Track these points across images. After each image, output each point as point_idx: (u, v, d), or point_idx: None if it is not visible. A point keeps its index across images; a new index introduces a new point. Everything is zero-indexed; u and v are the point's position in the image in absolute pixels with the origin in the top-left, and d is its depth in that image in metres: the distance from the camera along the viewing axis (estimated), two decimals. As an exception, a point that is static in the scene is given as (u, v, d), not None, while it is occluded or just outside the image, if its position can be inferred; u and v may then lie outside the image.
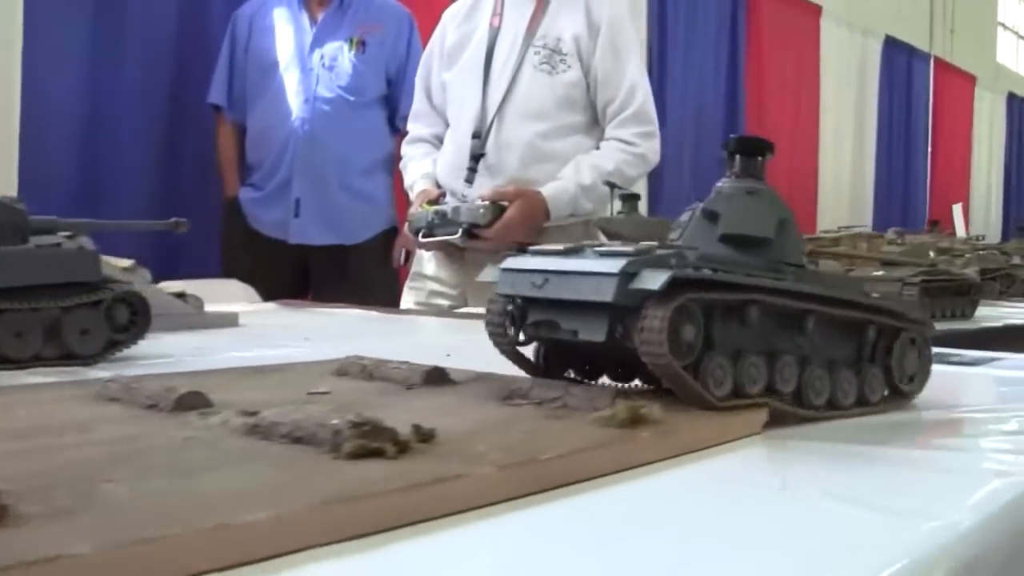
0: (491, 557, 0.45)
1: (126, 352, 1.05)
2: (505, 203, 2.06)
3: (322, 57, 2.85)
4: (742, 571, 0.43)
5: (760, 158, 0.81)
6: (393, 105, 2.93)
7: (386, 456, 0.52)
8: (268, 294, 2.20)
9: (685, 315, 0.67)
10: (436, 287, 2.26)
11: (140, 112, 2.88)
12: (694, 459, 0.61)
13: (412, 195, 2.28)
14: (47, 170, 2.63)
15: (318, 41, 2.87)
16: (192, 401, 0.65)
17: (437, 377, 0.79)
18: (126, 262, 1.36)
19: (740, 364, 0.70)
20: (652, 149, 2.22)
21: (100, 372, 0.96)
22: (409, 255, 2.49)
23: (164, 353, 1.10)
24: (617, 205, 1.89)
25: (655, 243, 0.73)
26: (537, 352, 0.80)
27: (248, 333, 1.41)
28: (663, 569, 0.43)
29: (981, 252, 2.74)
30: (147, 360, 1.04)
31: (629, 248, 0.70)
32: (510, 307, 0.78)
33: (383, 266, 2.88)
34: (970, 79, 9.93)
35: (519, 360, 0.81)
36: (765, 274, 0.74)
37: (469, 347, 1.36)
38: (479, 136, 2.16)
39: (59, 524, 0.40)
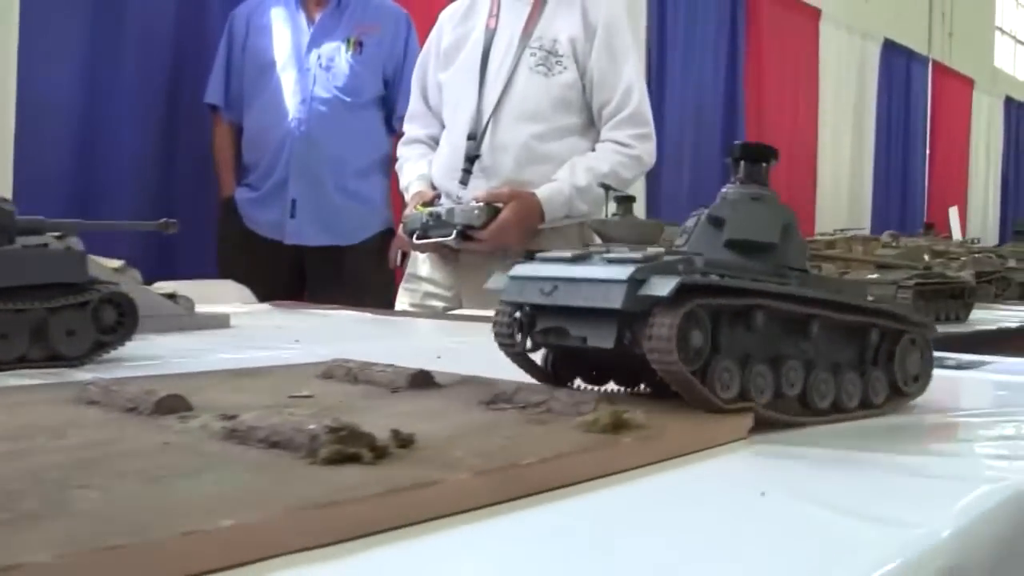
0: (466, 564, 0.45)
1: (113, 353, 1.04)
2: (500, 205, 2.05)
3: (319, 57, 2.85)
4: (719, 580, 0.43)
5: (764, 164, 0.82)
6: (390, 106, 2.93)
7: (363, 462, 0.52)
8: (264, 295, 2.20)
9: (693, 321, 0.67)
10: (431, 288, 2.25)
11: (137, 112, 2.88)
12: (677, 465, 0.61)
13: (407, 196, 2.27)
14: (43, 170, 2.62)
15: (315, 41, 2.86)
16: (172, 404, 0.64)
17: (422, 380, 0.78)
18: (116, 263, 1.36)
19: (747, 371, 0.70)
20: (648, 151, 2.21)
21: (86, 374, 0.95)
22: (405, 256, 2.48)
23: (152, 355, 1.09)
24: (612, 207, 1.89)
25: (662, 249, 0.74)
26: (546, 358, 0.81)
27: (239, 335, 1.41)
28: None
29: (976, 255, 2.73)
30: (134, 362, 1.04)
31: (637, 255, 0.70)
32: (518, 314, 0.78)
33: (379, 267, 2.87)
34: (968, 83, 9.93)
35: (528, 366, 0.81)
36: (770, 279, 0.75)
37: (461, 349, 1.36)
38: (474, 137, 2.16)
39: (24, 530, 0.39)
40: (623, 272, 0.68)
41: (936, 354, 0.94)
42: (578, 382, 0.81)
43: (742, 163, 0.81)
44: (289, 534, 0.44)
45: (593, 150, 2.18)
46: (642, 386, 0.79)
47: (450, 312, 2.13)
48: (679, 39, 5.60)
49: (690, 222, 0.82)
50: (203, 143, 2.99)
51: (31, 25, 2.58)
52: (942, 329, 0.94)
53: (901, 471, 0.63)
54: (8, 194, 2.40)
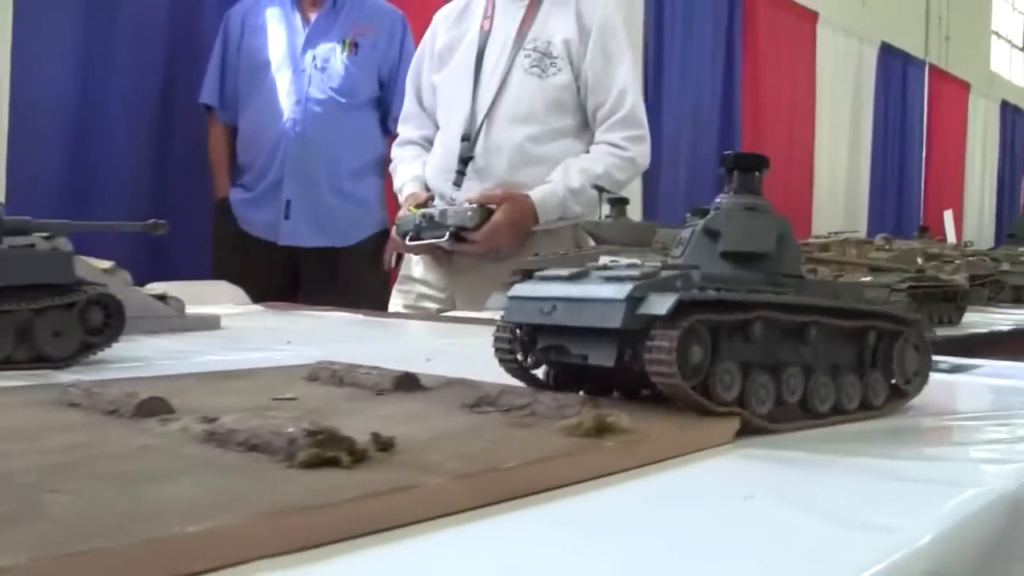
0: (444, 569, 0.44)
1: (100, 355, 1.04)
2: (493, 206, 2.05)
3: (314, 58, 2.85)
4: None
5: (757, 173, 0.82)
6: (385, 107, 2.93)
7: (341, 465, 0.51)
8: (258, 296, 2.19)
9: (693, 336, 0.68)
10: (424, 290, 2.25)
11: (131, 111, 2.88)
12: (661, 469, 0.60)
13: (401, 198, 2.27)
14: (36, 169, 2.62)
15: (310, 42, 2.86)
16: (153, 407, 0.64)
17: (407, 383, 0.78)
18: (106, 263, 1.35)
19: (748, 381, 0.71)
20: (642, 153, 2.21)
21: (72, 375, 0.95)
22: (400, 258, 2.48)
23: (139, 356, 1.09)
24: (605, 209, 1.89)
25: (659, 264, 0.75)
26: (548, 372, 0.81)
27: (229, 336, 1.40)
28: (617, 583, 0.42)
29: (970, 258, 2.73)
30: (121, 363, 1.03)
31: (635, 271, 0.71)
32: (518, 331, 0.79)
33: (374, 268, 2.88)
34: (964, 86, 9.95)
35: (530, 381, 0.81)
36: (767, 289, 0.76)
37: (452, 351, 1.36)
38: (468, 139, 2.16)
39: (-6, 534, 0.39)
40: (621, 291, 0.69)
41: (926, 357, 0.95)
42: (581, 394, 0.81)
43: (735, 173, 0.82)
44: (263, 538, 0.43)
45: (587, 152, 2.18)
46: (644, 391, 0.79)
47: (443, 314, 2.13)
48: (676, 41, 5.61)
49: (685, 232, 0.82)
50: (198, 143, 2.99)
51: (24, 24, 2.58)
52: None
53: (887, 475, 0.63)
54: (0, 194, 2.40)
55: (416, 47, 2.55)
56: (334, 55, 2.86)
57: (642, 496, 0.56)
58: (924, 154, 9.20)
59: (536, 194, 2.09)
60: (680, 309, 0.66)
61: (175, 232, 2.72)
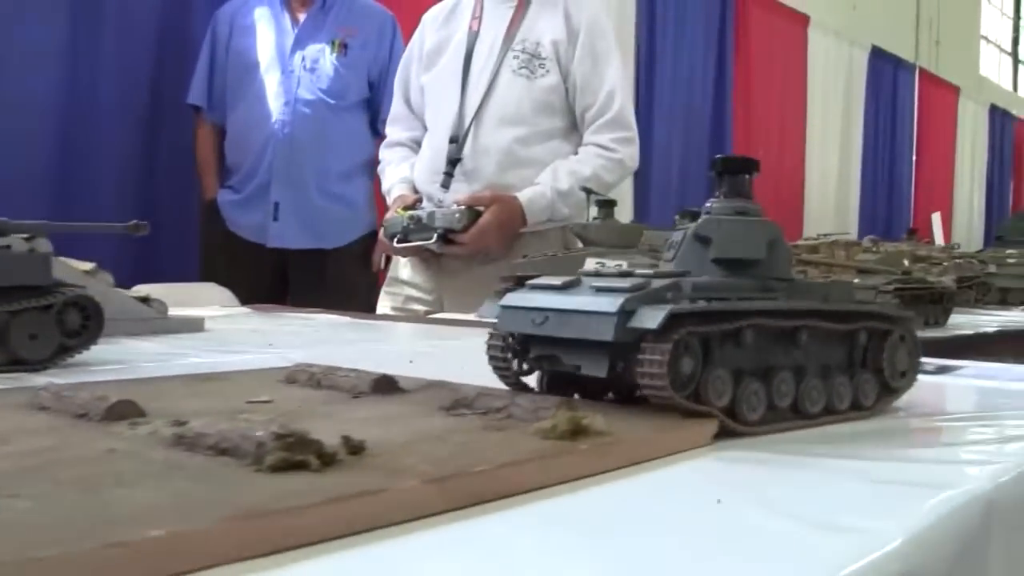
0: (409, 574, 0.44)
1: (78, 358, 1.03)
2: (481, 208, 2.05)
3: (303, 59, 2.84)
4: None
5: (747, 176, 0.82)
6: (375, 108, 2.92)
7: (310, 469, 0.51)
8: (247, 298, 2.18)
9: (684, 348, 0.68)
10: (412, 292, 2.24)
11: (118, 112, 2.86)
12: (635, 472, 0.60)
13: (389, 200, 2.27)
14: (23, 170, 2.61)
15: (300, 43, 2.85)
16: (123, 410, 0.63)
17: (385, 385, 0.77)
18: (87, 265, 1.34)
19: (740, 387, 0.72)
20: (630, 155, 2.21)
21: (50, 378, 0.94)
22: (389, 260, 2.47)
23: (119, 359, 1.08)
24: (593, 211, 1.89)
25: (650, 272, 0.75)
26: (540, 379, 0.81)
27: (212, 338, 1.39)
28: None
29: (958, 260, 2.74)
30: (100, 366, 1.02)
31: (626, 282, 0.72)
32: (511, 339, 0.79)
33: (363, 270, 2.87)
34: (954, 90, 9.99)
35: (524, 388, 0.82)
36: (758, 295, 0.77)
37: (435, 353, 1.35)
38: (456, 141, 2.15)
39: (-53, 541, 0.38)
40: (612, 304, 0.69)
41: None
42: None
43: (725, 176, 0.82)
44: (226, 543, 0.42)
45: (576, 154, 2.18)
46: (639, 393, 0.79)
47: (431, 316, 2.12)
48: (668, 42, 5.61)
49: (677, 236, 0.83)
50: (186, 144, 2.98)
51: (9, 22, 2.56)
52: (920, 334, 0.94)
53: (862, 477, 0.63)
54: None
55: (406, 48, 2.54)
56: (323, 56, 2.85)
57: (614, 500, 0.55)
58: (914, 157, 9.23)
59: (524, 196, 2.08)
60: (671, 321, 0.67)
61: (163, 234, 2.74)
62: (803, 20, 7.22)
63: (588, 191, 1.88)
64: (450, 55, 2.25)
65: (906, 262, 2.20)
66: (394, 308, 2.25)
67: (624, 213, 4.78)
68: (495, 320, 0.80)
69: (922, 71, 9.33)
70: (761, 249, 0.79)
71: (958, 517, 0.56)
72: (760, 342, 0.74)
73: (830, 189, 7.64)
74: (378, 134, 2.82)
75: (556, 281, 0.77)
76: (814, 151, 7.36)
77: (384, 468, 0.52)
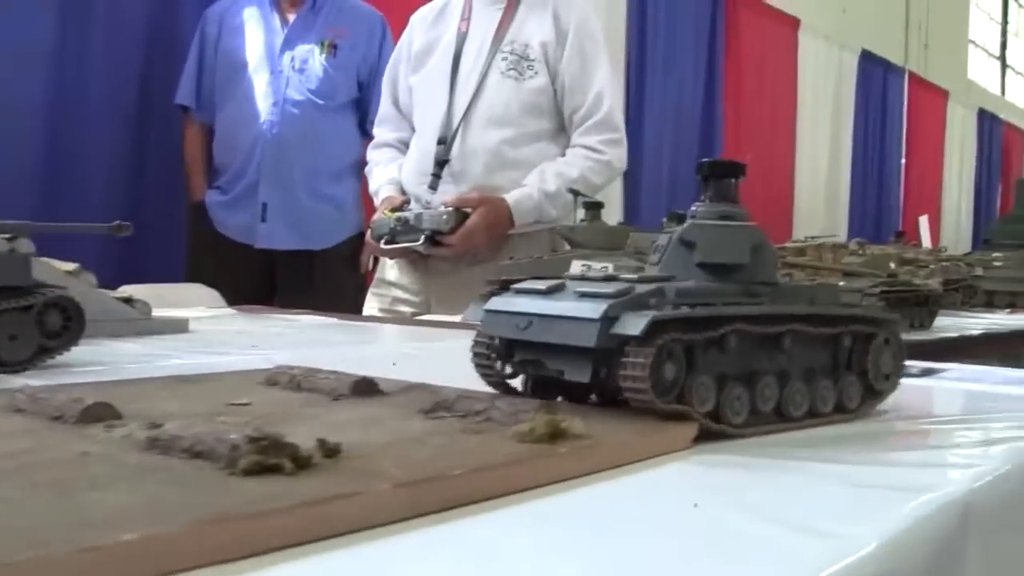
0: (381, 579, 0.44)
1: (59, 359, 1.02)
2: (468, 210, 2.04)
3: (292, 59, 2.83)
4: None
5: (733, 180, 0.83)
6: (364, 109, 2.91)
7: (284, 472, 0.50)
8: (234, 299, 2.17)
9: (667, 354, 0.68)
10: (399, 294, 2.24)
11: (106, 111, 2.85)
12: (613, 476, 0.60)
13: (376, 201, 2.26)
14: (9, 170, 2.59)
15: (289, 43, 2.84)
16: (99, 413, 0.63)
17: (365, 388, 0.77)
18: (70, 265, 1.33)
19: (723, 392, 0.72)
20: (618, 156, 2.21)
21: (29, 380, 0.93)
22: (377, 260, 2.47)
23: (100, 360, 1.08)
24: (580, 213, 1.89)
25: (634, 277, 0.75)
26: (525, 381, 0.82)
27: (196, 339, 1.39)
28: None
29: (945, 263, 2.75)
30: (80, 367, 1.02)
31: (610, 288, 0.72)
32: (496, 342, 0.80)
33: (351, 272, 2.86)
34: (943, 94, 10.03)
35: (509, 391, 0.82)
36: (742, 300, 0.77)
37: (419, 355, 1.35)
38: (444, 142, 2.15)
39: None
40: (596, 310, 0.69)
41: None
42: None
43: (711, 181, 0.82)
44: (197, 548, 0.42)
45: (563, 155, 2.18)
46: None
47: (418, 317, 2.12)
48: (659, 44, 5.62)
49: (662, 240, 0.83)
50: (174, 144, 2.97)
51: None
52: (905, 336, 0.94)
53: (841, 481, 0.63)
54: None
55: (396, 49, 2.54)
56: (312, 56, 2.84)
57: (591, 503, 0.55)
58: (903, 160, 9.26)
59: (512, 197, 2.08)
60: (654, 327, 0.67)
61: (151, 234, 2.73)
62: (793, 23, 7.24)
63: (575, 193, 1.88)
64: (439, 56, 2.24)
65: (892, 265, 2.21)
66: (381, 310, 2.25)
67: (614, 214, 4.80)
68: (480, 323, 0.80)
69: (911, 75, 9.36)
70: (745, 254, 0.79)
71: (935, 520, 0.56)
72: (744, 347, 0.74)
73: (820, 191, 7.66)
74: (367, 135, 2.81)
75: (540, 286, 0.77)
76: (804, 154, 7.38)
77: (359, 472, 0.52)
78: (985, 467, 0.67)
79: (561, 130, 2.21)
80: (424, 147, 2.19)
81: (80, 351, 1.07)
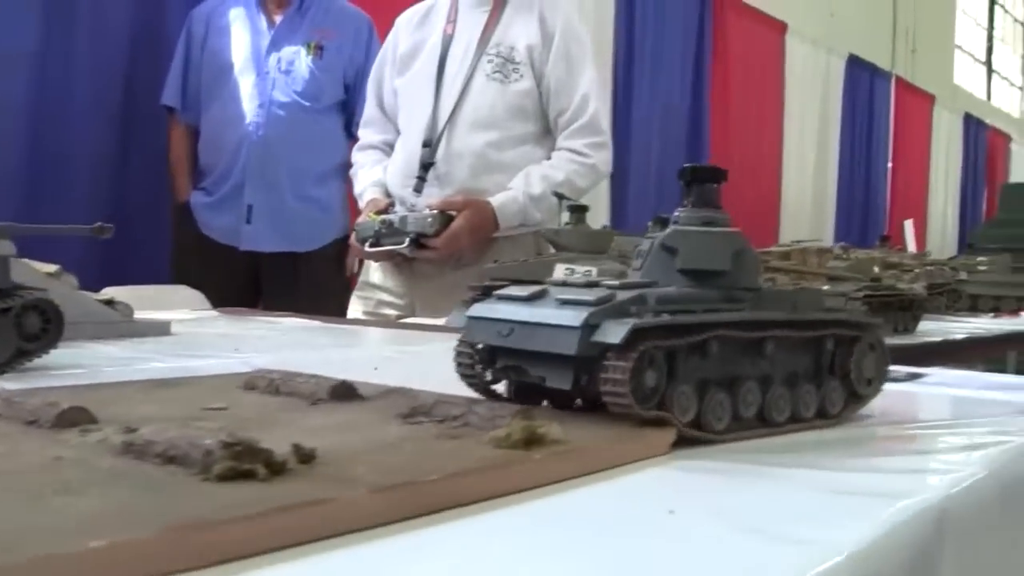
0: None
1: (37, 362, 1.02)
2: (453, 213, 2.04)
3: (279, 61, 2.82)
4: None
5: (715, 186, 0.83)
6: (350, 111, 2.91)
7: (258, 478, 0.50)
8: (219, 301, 2.17)
9: (647, 361, 0.69)
10: (384, 296, 2.23)
11: (91, 112, 2.84)
12: (589, 482, 0.60)
13: (361, 203, 2.26)
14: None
15: (275, 44, 2.84)
16: (74, 417, 0.62)
17: (344, 392, 0.77)
18: (51, 267, 1.33)
19: (705, 398, 0.72)
20: (603, 160, 2.21)
21: (7, 383, 0.93)
22: (363, 263, 2.46)
23: (79, 363, 1.07)
24: (565, 216, 1.89)
25: (616, 283, 0.75)
26: (509, 387, 0.82)
27: (178, 342, 1.38)
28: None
29: (929, 267, 2.76)
30: (58, 370, 1.01)
31: (590, 295, 0.72)
32: (478, 348, 0.80)
33: (336, 274, 2.85)
34: (929, 98, 10.08)
35: (492, 396, 0.82)
36: (724, 306, 0.77)
37: (402, 359, 1.34)
38: (429, 145, 2.15)
39: None
40: (577, 317, 0.70)
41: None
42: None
43: (693, 186, 0.82)
44: (167, 555, 0.42)
45: (549, 158, 2.18)
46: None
47: (402, 320, 2.11)
48: (646, 47, 5.63)
49: (645, 244, 0.83)
50: (159, 145, 2.95)
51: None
52: (889, 341, 0.95)
53: (819, 487, 0.63)
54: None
55: (383, 51, 2.53)
56: (299, 58, 2.83)
57: (565, 509, 0.55)
58: (890, 164, 9.30)
59: (497, 201, 2.08)
60: (635, 334, 0.67)
61: (135, 235, 2.72)
62: (781, 27, 7.26)
63: (560, 196, 1.88)
64: (424, 59, 2.24)
65: (876, 269, 2.22)
66: (365, 312, 2.24)
67: (602, 217, 4.80)
68: (462, 329, 0.80)
69: (898, 79, 9.41)
70: (727, 260, 0.79)
71: (911, 527, 0.56)
72: (725, 353, 0.74)
73: (807, 195, 7.69)
74: (353, 137, 2.81)
75: (522, 292, 0.77)
76: (791, 157, 7.40)
77: (334, 477, 0.52)
78: (963, 473, 0.67)
79: (546, 133, 2.21)
80: (409, 150, 2.19)
81: (59, 353, 1.06)
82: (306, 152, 2.81)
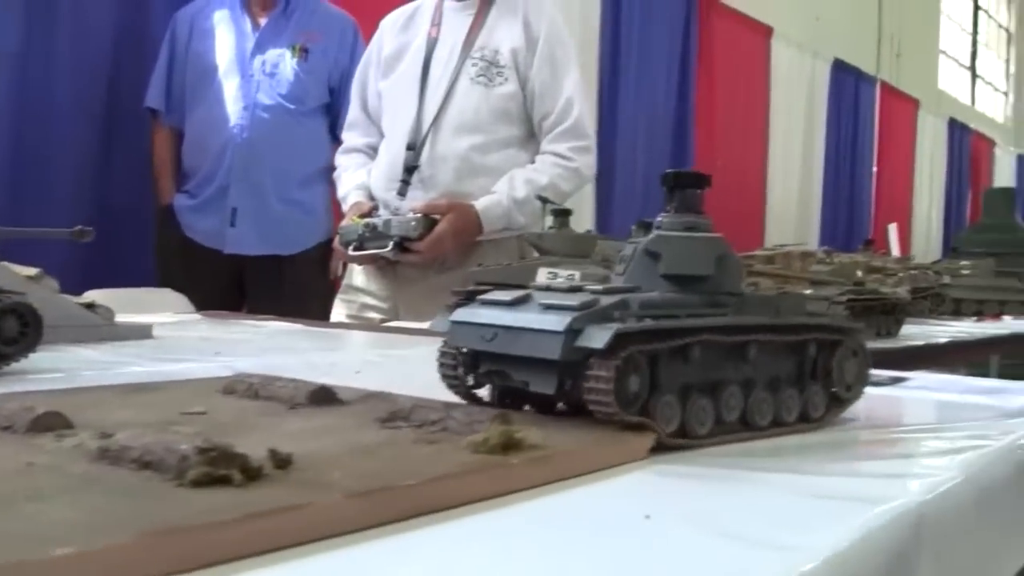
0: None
1: (15, 366, 1.01)
2: (437, 216, 2.04)
3: (263, 63, 2.81)
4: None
5: (698, 191, 0.83)
6: (335, 114, 2.89)
7: (233, 484, 0.50)
8: (203, 304, 2.16)
9: (631, 366, 0.69)
10: (367, 300, 2.23)
11: (74, 114, 2.81)
12: (568, 486, 0.60)
13: (345, 207, 2.25)
14: (-28, 173, 2.56)
15: (260, 47, 2.83)
16: (50, 422, 0.62)
17: (323, 397, 0.76)
18: (31, 270, 1.32)
19: (688, 404, 0.72)
20: (587, 164, 2.21)
21: (-16, 386, 0.92)
22: (347, 266, 2.46)
23: (58, 367, 1.06)
24: (549, 220, 1.89)
25: (599, 288, 0.76)
26: (492, 392, 0.82)
27: (159, 346, 1.37)
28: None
29: (913, 271, 2.78)
30: (37, 374, 1.00)
31: (574, 300, 0.72)
32: (462, 353, 0.80)
33: (320, 277, 2.84)
34: (914, 103, 10.13)
35: (475, 401, 0.82)
36: (707, 310, 0.77)
37: (384, 363, 1.34)
38: (413, 148, 2.15)
39: None
40: (560, 322, 0.70)
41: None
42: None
43: (676, 192, 0.83)
44: (139, 560, 0.42)
45: (533, 162, 2.18)
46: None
47: (385, 324, 2.11)
48: (632, 50, 5.64)
49: (628, 249, 0.83)
50: (143, 147, 2.94)
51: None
52: (871, 345, 0.95)
53: (798, 491, 0.63)
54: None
55: (368, 54, 2.53)
56: (283, 61, 2.83)
57: (541, 514, 0.55)
58: (875, 168, 9.34)
59: (481, 204, 2.08)
60: (618, 339, 0.67)
61: (119, 239, 2.70)
62: (766, 31, 7.29)
63: (544, 200, 1.88)
64: (408, 62, 2.24)
65: (859, 273, 2.23)
66: (349, 316, 2.24)
67: (586, 220, 4.80)
68: (444, 331, 0.80)
69: (883, 84, 9.45)
70: (710, 265, 0.79)
71: (889, 531, 0.56)
72: (708, 358, 0.74)
73: (792, 199, 7.71)
74: (338, 140, 2.80)
75: (506, 297, 0.77)
76: (776, 161, 7.43)
77: (310, 482, 0.51)
78: (941, 477, 0.67)
79: (531, 137, 2.21)
80: (393, 153, 2.19)
81: (39, 357, 1.05)
82: (291, 155, 2.80)
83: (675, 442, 0.71)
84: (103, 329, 1.37)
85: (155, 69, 2.89)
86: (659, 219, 0.83)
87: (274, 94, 2.79)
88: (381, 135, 2.30)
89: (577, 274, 1.11)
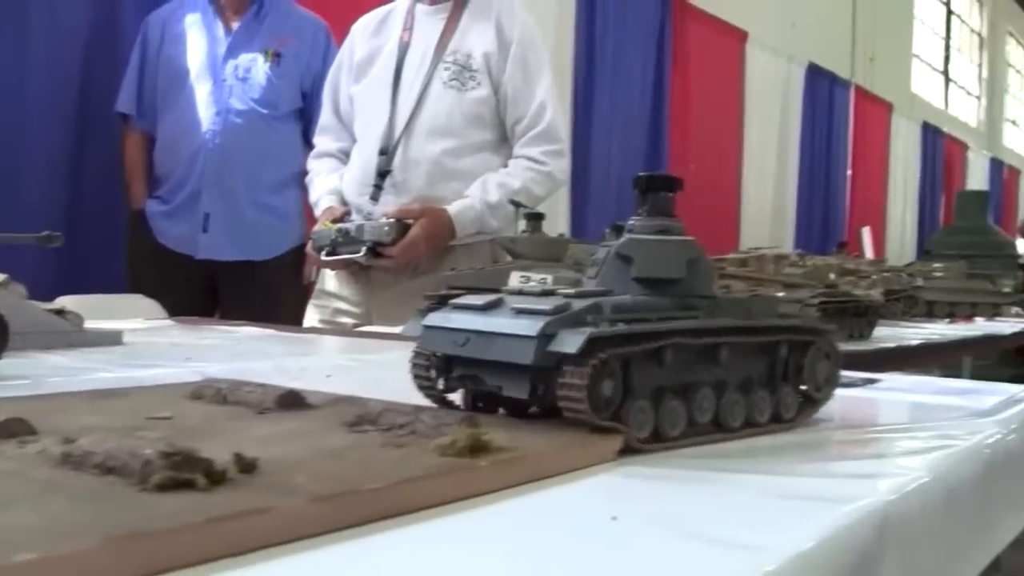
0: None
1: (-19, 372, 1.00)
2: (410, 221, 2.04)
3: (236, 68, 2.80)
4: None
5: (670, 194, 0.84)
6: (308, 118, 2.88)
7: (197, 488, 0.49)
8: (175, 310, 2.14)
9: (604, 370, 0.69)
10: (340, 305, 2.22)
11: (44, 118, 2.79)
12: (535, 489, 0.60)
13: (317, 212, 2.25)
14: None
15: (232, 51, 2.81)
16: (13, 429, 0.61)
17: (291, 401, 0.76)
18: (-1, 276, 1.30)
19: (660, 407, 0.73)
20: (560, 168, 2.22)
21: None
22: (320, 271, 2.45)
23: (24, 374, 1.05)
24: (521, 224, 1.89)
25: (572, 291, 0.76)
26: (466, 397, 0.82)
27: (129, 352, 1.36)
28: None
29: (886, 274, 2.80)
30: (3, 381, 0.99)
31: (546, 304, 0.72)
32: (434, 357, 0.80)
33: (293, 283, 2.83)
34: (887, 107, 10.23)
35: (448, 406, 0.82)
36: (679, 313, 0.77)
37: (355, 367, 1.34)
38: (386, 152, 2.14)
39: None
40: (532, 327, 0.70)
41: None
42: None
43: (648, 195, 0.83)
44: (102, 566, 0.41)
45: (506, 166, 2.18)
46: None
47: (358, 329, 2.10)
48: (607, 54, 5.66)
49: (601, 253, 0.84)
50: (114, 152, 2.91)
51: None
52: (844, 347, 0.96)
53: (765, 491, 0.63)
54: None
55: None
56: (256, 65, 2.81)
57: (508, 517, 0.55)
58: (849, 172, 9.42)
59: (454, 209, 2.08)
60: (591, 344, 0.67)
61: (90, 244, 2.67)
62: (741, 35, 7.34)
63: (517, 204, 1.88)
64: (381, 66, 2.24)
65: (832, 276, 2.24)
66: (322, 321, 2.23)
67: (561, 224, 4.81)
68: (417, 335, 0.80)
69: (857, 88, 9.54)
70: (681, 268, 0.80)
71: (854, 531, 0.56)
72: (680, 360, 0.75)
73: (766, 202, 7.77)
74: (311, 144, 2.79)
75: (478, 301, 0.77)
76: (751, 165, 7.48)
77: (274, 487, 0.51)
78: (907, 477, 0.68)
79: (503, 141, 2.22)
80: (366, 157, 2.18)
81: (5, 364, 1.04)
82: (263, 160, 2.79)
83: (646, 446, 0.71)
84: (72, 335, 1.36)
85: (126, 73, 2.86)
86: (631, 222, 0.83)
87: (246, 99, 2.78)
88: (353, 140, 2.29)
89: (549, 278, 1.11)
